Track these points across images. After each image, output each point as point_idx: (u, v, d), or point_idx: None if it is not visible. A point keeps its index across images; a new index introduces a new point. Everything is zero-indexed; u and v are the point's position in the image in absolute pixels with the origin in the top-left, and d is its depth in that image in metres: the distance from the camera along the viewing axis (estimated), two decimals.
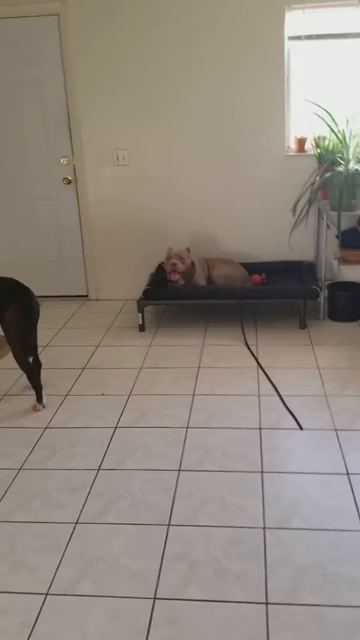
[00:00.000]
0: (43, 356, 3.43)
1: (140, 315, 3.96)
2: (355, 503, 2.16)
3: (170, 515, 2.14)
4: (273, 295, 3.86)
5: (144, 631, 1.66)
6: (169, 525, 2.09)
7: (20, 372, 3.10)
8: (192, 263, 4.05)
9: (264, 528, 2.06)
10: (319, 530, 2.03)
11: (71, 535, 2.06)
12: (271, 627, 1.65)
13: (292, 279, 4.16)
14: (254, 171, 4.29)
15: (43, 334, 3.96)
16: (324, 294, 3.99)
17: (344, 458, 2.44)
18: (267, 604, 1.74)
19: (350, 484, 2.27)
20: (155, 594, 1.79)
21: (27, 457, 2.56)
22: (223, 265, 4.16)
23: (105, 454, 2.56)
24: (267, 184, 4.31)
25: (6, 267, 4.71)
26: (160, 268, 4.31)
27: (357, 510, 2.12)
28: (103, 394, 3.12)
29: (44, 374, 3.20)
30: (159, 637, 1.64)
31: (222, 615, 1.71)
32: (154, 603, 1.76)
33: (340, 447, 2.52)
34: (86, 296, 4.76)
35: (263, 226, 4.41)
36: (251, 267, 4.28)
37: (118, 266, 4.65)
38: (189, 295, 3.93)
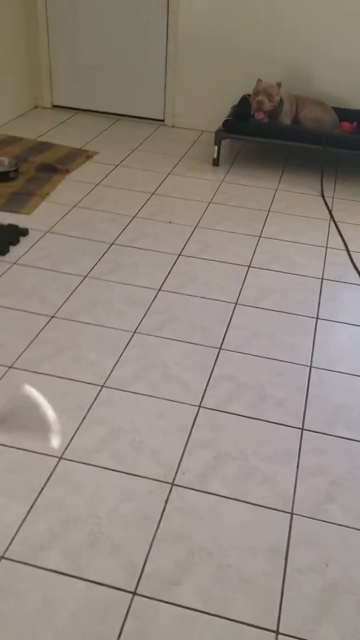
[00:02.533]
0: (113, 175, 3.39)
1: (216, 148, 3.79)
2: None
3: (223, 341, 2.24)
4: None
5: (187, 431, 1.83)
6: (220, 349, 2.20)
7: (92, 184, 3.09)
8: (281, 100, 3.75)
9: (310, 367, 2.14)
10: None
11: (129, 341, 2.20)
12: (304, 449, 1.79)
13: None
14: None
15: (115, 154, 3.89)
16: None
17: None
18: (302, 429, 1.86)
19: None
20: (201, 403, 1.94)
21: (93, 267, 2.66)
22: (313, 107, 3.84)
23: (166, 277, 2.63)
24: None
25: (84, 73, 4.50)
26: (244, 100, 4.01)
27: None
28: (170, 222, 3.11)
29: (113, 193, 3.17)
30: (200, 438, 1.81)
31: (259, 430, 1.85)
32: (198, 410, 1.91)
33: None
34: (162, 121, 4.55)
35: None
36: (343, 113, 3.94)
37: (199, 93, 4.36)
38: (272, 134, 3.69)
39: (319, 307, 2.49)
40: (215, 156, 3.82)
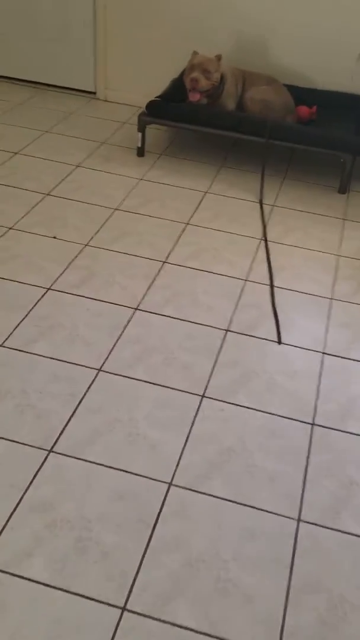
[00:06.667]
0: (5, 168, 2.75)
1: (140, 135, 3.09)
2: None
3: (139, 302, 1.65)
4: (312, 142, 2.88)
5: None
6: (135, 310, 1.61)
7: None
8: (222, 77, 3.03)
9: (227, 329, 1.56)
10: None
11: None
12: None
13: (349, 121, 3.12)
14: None
15: (18, 138, 3.21)
16: None
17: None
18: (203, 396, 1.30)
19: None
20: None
21: None
22: (262, 87, 3.11)
23: (19, 324, 2.02)
24: None
25: None
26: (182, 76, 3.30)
27: None
28: (54, 237, 2.48)
29: None
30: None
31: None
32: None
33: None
34: (94, 93, 3.83)
35: (328, 42, 3.23)
36: (301, 94, 3.22)
37: (137, 61, 3.64)
38: (204, 121, 2.98)
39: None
40: (139, 145, 3.14)
